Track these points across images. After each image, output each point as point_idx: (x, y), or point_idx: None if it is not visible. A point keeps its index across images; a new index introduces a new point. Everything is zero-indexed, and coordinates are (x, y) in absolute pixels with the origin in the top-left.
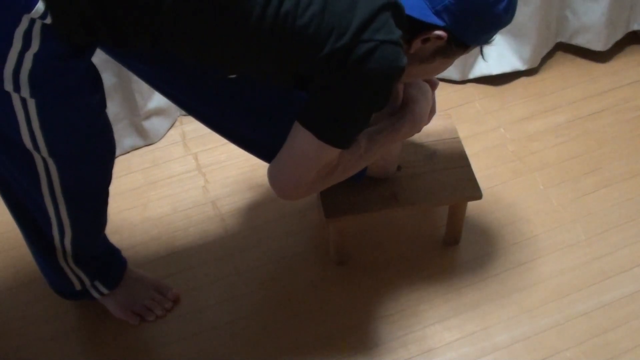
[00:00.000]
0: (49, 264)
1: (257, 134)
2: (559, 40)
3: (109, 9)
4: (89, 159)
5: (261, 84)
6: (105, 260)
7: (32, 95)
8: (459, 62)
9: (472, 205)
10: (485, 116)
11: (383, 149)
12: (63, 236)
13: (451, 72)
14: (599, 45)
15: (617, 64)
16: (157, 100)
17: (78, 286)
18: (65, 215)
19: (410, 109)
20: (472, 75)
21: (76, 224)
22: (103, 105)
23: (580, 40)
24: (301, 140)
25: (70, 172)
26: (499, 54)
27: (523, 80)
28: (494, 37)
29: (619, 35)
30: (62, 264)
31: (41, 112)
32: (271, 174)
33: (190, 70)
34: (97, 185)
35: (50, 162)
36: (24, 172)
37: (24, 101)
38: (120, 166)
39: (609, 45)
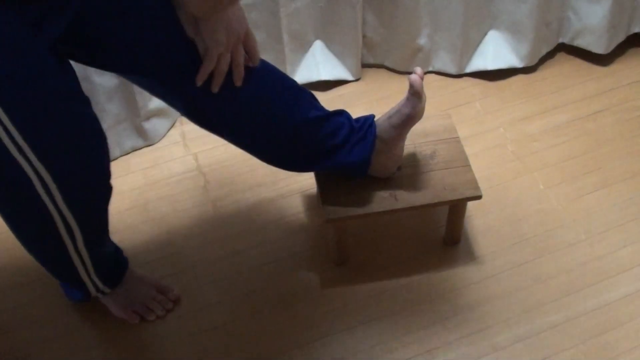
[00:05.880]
0: (74, 284)
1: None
2: (560, 40)
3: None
4: (77, 152)
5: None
6: (108, 259)
7: None
8: (455, 55)
9: (472, 205)
10: (485, 116)
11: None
12: (75, 240)
13: (447, 65)
14: (600, 48)
15: (617, 65)
16: (158, 100)
17: (94, 292)
18: (70, 215)
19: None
20: (468, 70)
21: (83, 224)
22: (74, 89)
23: (582, 42)
24: None
25: (62, 170)
26: (496, 50)
27: (523, 80)
28: None
29: (620, 38)
30: (85, 278)
31: (8, 112)
32: None
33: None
34: (93, 178)
35: (39, 166)
36: (17, 184)
37: None
38: (120, 166)
39: (611, 48)
